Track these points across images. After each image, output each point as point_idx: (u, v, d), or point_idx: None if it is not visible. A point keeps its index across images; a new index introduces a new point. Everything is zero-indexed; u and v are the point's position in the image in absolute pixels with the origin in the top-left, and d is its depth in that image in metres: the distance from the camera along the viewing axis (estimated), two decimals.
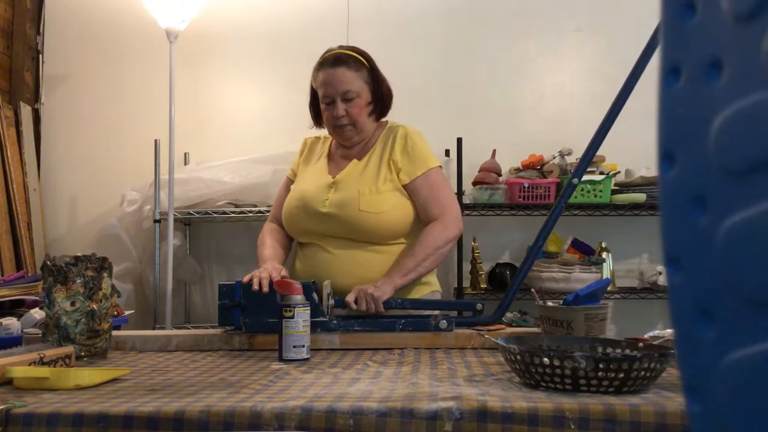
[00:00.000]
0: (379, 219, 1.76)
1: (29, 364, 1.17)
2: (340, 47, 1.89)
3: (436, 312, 1.69)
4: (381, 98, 1.88)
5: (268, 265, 1.70)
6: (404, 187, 1.81)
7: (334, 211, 1.77)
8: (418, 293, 1.84)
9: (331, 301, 1.61)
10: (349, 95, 1.81)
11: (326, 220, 1.78)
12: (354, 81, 1.81)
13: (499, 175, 2.90)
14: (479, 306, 1.68)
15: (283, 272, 1.67)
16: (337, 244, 1.79)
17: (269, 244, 1.89)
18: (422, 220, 1.83)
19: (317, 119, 1.95)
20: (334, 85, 1.80)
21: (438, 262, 1.82)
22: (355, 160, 1.85)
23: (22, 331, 1.65)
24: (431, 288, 1.89)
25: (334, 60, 1.82)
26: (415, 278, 1.77)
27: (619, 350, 1.19)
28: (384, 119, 1.94)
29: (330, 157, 1.94)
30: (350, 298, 1.65)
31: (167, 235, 2.76)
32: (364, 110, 1.84)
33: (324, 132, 1.99)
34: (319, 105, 1.89)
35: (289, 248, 1.95)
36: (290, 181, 1.98)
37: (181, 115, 2.94)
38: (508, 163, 2.95)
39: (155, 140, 2.86)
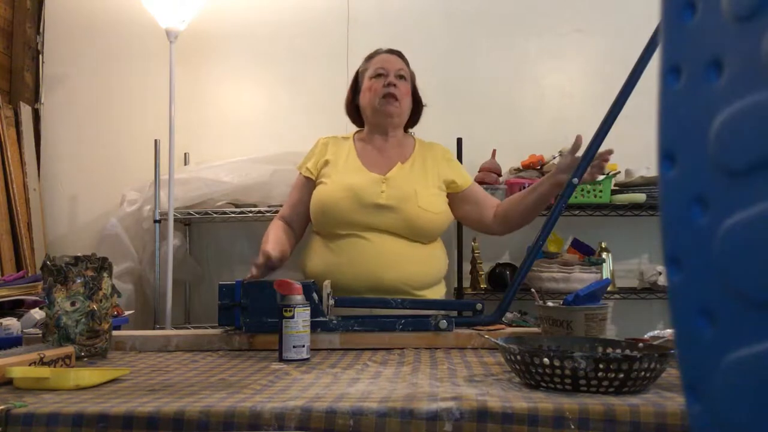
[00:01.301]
0: (436, 218, 1.86)
1: (29, 364, 1.17)
2: None
3: (437, 312, 1.69)
4: (417, 105, 2.03)
5: (267, 246, 1.75)
6: (461, 192, 1.95)
7: (393, 203, 1.82)
8: (438, 293, 1.91)
9: (331, 301, 1.60)
10: (401, 72, 1.96)
11: (382, 212, 1.81)
12: (406, 70, 1.99)
13: (499, 175, 2.89)
14: (479, 306, 1.68)
15: (280, 250, 1.74)
16: (383, 237, 1.81)
17: (274, 232, 1.90)
18: (483, 214, 1.95)
19: (354, 112, 2.05)
20: (392, 62, 1.96)
21: None
22: (399, 163, 1.92)
23: (22, 331, 1.65)
24: (446, 288, 2.00)
25: (391, 50, 2.02)
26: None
27: (619, 350, 1.19)
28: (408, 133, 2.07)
29: (358, 155, 1.96)
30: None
31: (167, 235, 2.76)
32: (408, 98, 1.98)
33: (341, 132, 2.06)
34: (356, 100, 2.01)
35: (294, 245, 1.95)
36: (308, 180, 1.96)
37: (181, 115, 2.94)
38: (508, 163, 2.95)
39: (155, 140, 2.85)
